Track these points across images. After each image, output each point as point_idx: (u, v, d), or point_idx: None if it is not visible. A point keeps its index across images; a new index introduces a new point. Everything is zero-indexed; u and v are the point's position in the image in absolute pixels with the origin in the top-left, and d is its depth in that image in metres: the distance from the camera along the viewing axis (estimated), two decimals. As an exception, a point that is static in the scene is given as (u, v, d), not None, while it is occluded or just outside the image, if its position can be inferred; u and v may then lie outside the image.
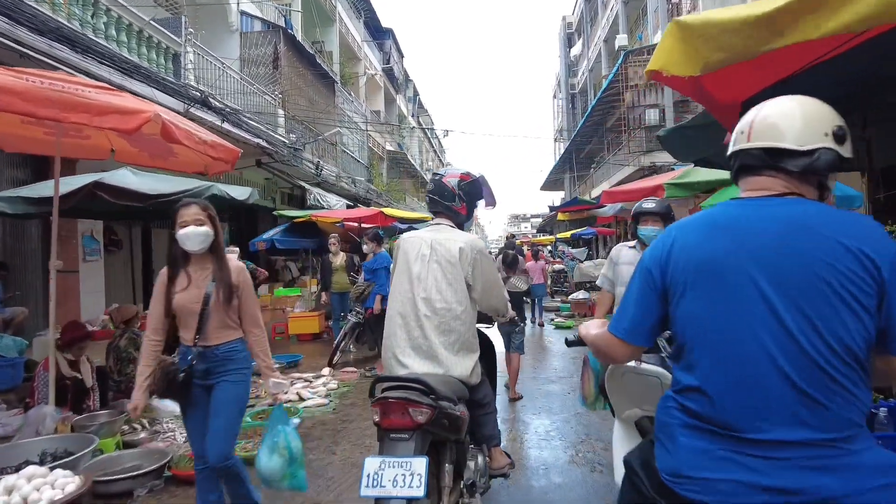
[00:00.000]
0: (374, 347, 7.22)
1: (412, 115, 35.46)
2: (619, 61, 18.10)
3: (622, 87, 18.03)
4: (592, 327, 1.73)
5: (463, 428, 2.51)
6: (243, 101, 13.63)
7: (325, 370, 6.78)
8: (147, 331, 2.85)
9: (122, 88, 5.86)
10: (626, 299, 1.53)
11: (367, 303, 6.69)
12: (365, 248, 6.84)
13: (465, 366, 2.58)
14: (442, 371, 2.51)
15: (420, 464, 2.13)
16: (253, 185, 17.56)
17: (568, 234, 23.13)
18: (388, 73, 29.50)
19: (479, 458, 2.83)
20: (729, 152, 1.49)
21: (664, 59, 2.15)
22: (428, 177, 39.67)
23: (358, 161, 22.05)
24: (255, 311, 2.95)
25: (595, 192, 22.62)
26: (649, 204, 3.73)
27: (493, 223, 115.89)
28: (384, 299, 6.65)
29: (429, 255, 2.64)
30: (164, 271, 2.83)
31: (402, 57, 33.10)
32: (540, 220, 58.25)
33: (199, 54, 11.32)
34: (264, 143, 12.73)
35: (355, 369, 6.91)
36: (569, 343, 2.08)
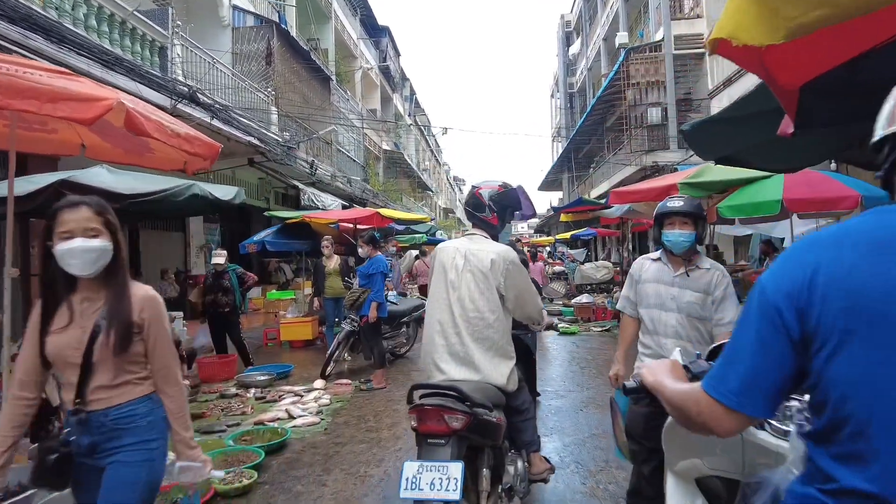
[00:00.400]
0: (370, 357, 6.77)
1: (409, 115, 35.01)
2: (621, 59, 17.72)
3: (623, 85, 17.64)
4: (664, 374, 1.25)
5: (499, 434, 2.56)
6: (235, 98, 13.16)
7: (318, 382, 6.33)
8: (13, 384, 2.03)
9: (103, 82, 5.39)
10: (733, 348, 1.06)
11: (361, 310, 6.24)
12: (360, 251, 6.40)
13: (501, 372, 2.63)
14: (479, 377, 2.58)
15: (456, 468, 2.21)
16: (246, 185, 17.08)
17: (567, 234, 22.72)
18: (385, 71, 29.05)
19: (519, 464, 2.84)
20: (877, 138, 1.03)
21: (733, 25, 1.69)
22: (425, 177, 39.30)
23: (354, 160, 21.59)
24: (170, 362, 2.09)
25: (595, 192, 22.24)
26: (677, 202, 2.83)
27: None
28: (380, 307, 6.20)
29: (462, 265, 2.70)
30: (38, 303, 2.01)
31: (399, 55, 32.65)
32: (538, 220, 57.92)
33: (187, 48, 10.84)
34: (256, 141, 12.27)
35: (349, 381, 6.46)
36: (627, 391, 1.57)
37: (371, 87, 27.84)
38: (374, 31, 28.14)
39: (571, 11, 31.63)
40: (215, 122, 10.65)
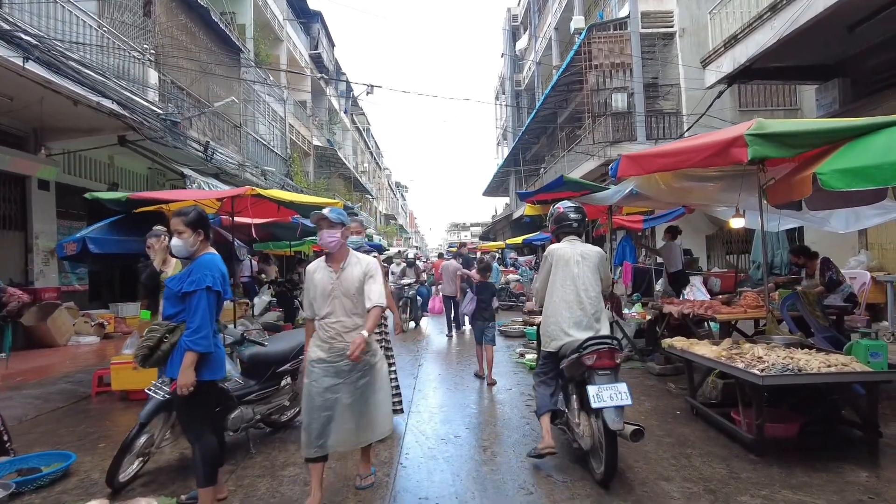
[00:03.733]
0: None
1: (344, 112, 31.60)
2: (582, 36, 15.12)
3: (584, 67, 15.03)
4: None
5: None
6: (105, 61, 9.59)
7: (93, 505, 3.05)
8: None
9: None
10: None
11: (169, 368, 2.99)
12: (177, 241, 3.13)
13: (606, 328, 3.94)
14: (593, 333, 3.79)
15: (623, 385, 3.52)
16: (130, 174, 13.38)
17: (519, 239, 19.94)
18: (317, 60, 25.61)
19: None
20: None
21: None
22: (364, 180, 35.92)
23: (272, 151, 18.05)
24: None
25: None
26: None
27: (433, 230, 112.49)
28: (208, 363, 3.00)
29: (581, 261, 3.93)
30: None
31: (333, 46, 29.26)
32: (481, 228, 55.46)
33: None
34: (114, 106, 8.74)
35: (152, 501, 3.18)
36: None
37: (300, 78, 24.34)
38: (305, 15, 24.69)
39: (518, 4, 29.21)
40: (33, 68, 7.15)
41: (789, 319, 5.41)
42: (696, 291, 14.07)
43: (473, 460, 4.05)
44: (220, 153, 12.85)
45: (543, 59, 24.26)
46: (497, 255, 23.19)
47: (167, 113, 10.67)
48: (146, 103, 9.99)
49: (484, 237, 40.37)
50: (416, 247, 59.29)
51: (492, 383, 6.32)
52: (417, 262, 12.44)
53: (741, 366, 3.90)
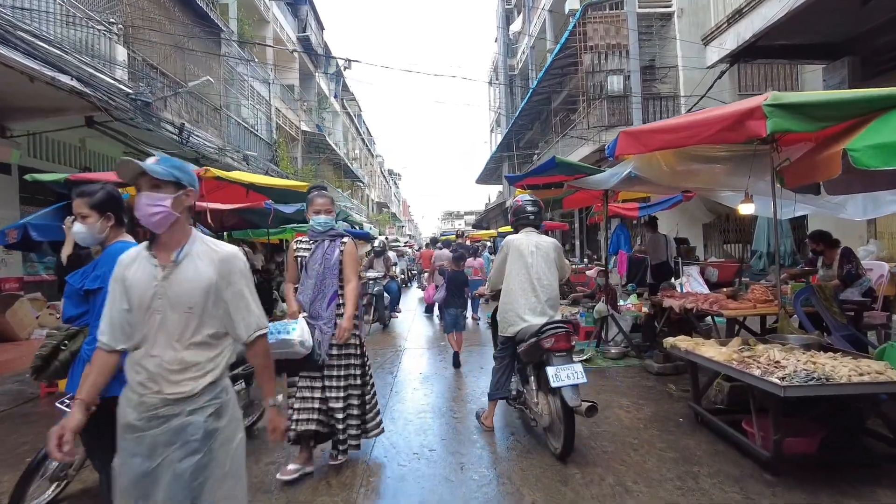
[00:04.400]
0: None
1: (335, 97, 30.79)
2: (577, 16, 14.45)
3: (579, 48, 14.38)
4: None
5: None
6: (70, 36, 8.91)
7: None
8: None
9: None
10: None
11: (69, 382, 2.42)
12: (80, 226, 2.54)
13: (558, 314, 4.20)
14: (547, 319, 4.00)
15: (579, 366, 3.77)
16: (104, 158, 12.70)
17: (510, 228, 19.39)
18: (305, 43, 24.79)
19: None
20: None
21: None
22: (355, 167, 35.18)
23: (257, 135, 17.35)
24: None
25: (540, 181, 19.00)
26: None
27: (425, 218, 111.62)
28: (122, 375, 2.39)
29: (535, 251, 4.14)
30: None
31: (323, 29, 28.40)
32: (475, 216, 54.91)
33: None
34: (77, 86, 8.08)
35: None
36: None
37: (288, 60, 23.55)
38: (292, -4, 23.87)
39: (513, -14, 28.40)
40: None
41: (804, 316, 4.88)
42: (692, 282, 13.57)
43: (448, 482, 3.51)
44: (198, 136, 12.19)
45: (537, 42, 23.55)
46: (489, 245, 22.66)
47: (137, 92, 10.00)
48: (112, 81, 9.32)
49: (477, 226, 39.77)
50: (410, 235, 58.67)
51: (458, 364, 6.71)
52: (388, 251, 11.03)
53: (757, 373, 3.37)
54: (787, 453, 3.37)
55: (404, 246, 26.24)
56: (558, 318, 4.05)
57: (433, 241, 14.69)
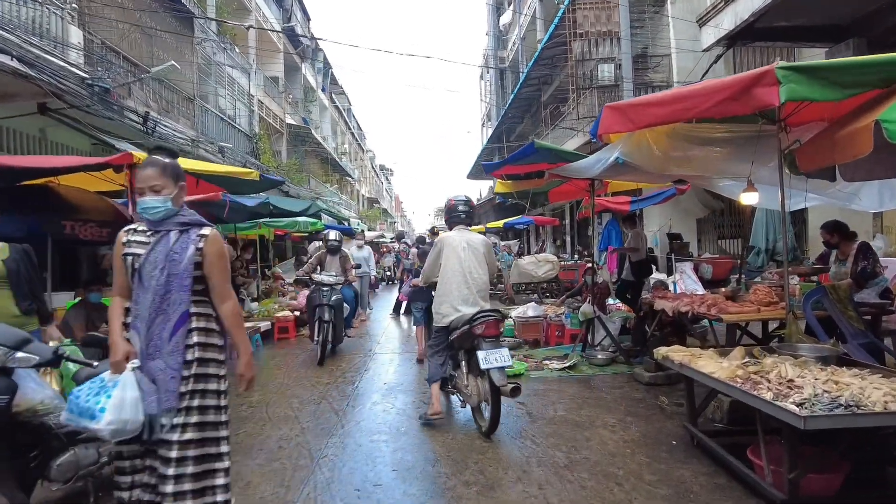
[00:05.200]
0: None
1: (322, 90, 29.97)
2: (566, 2, 13.77)
3: (569, 36, 13.71)
4: None
5: None
6: (12, 11, 8.17)
7: None
8: None
9: None
10: None
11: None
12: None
13: (488, 305, 4.39)
14: (479, 309, 4.24)
15: (506, 350, 4.05)
16: (66, 147, 11.91)
17: (500, 223, 18.71)
18: (290, 33, 24.00)
19: None
20: None
21: None
22: (344, 161, 34.40)
23: (236, 127, 16.60)
24: None
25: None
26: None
27: (416, 213, 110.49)
28: None
29: (467, 248, 4.38)
30: None
31: (309, 20, 27.60)
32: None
33: None
34: (20, 66, 7.36)
35: None
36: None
37: (272, 51, 22.76)
38: (275, -16, 23.04)
39: (503, -23, 27.64)
40: None
41: (815, 321, 4.23)
42: (686, 279, 12.96)
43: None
44: (167, 127, 11.45)
45: (528, 33, 22.86)
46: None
47: (93, 77, 9.27)
48: (64, 64, 8.58)
49: (468, 221, 39.03)
50: (402, 231, 57.87)
51: (421, 360, 6.66)
52: (344, 248, 8.61)
53: (769, 396, 2.72)
54: (804, 495, 2.73)
55: (391, 242, 25.44)
56: (488, 307, 4.32)
57: (421, 240, 13.94)
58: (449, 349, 4.47)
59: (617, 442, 3.89)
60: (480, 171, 35.04)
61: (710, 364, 3.38)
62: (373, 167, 52.73)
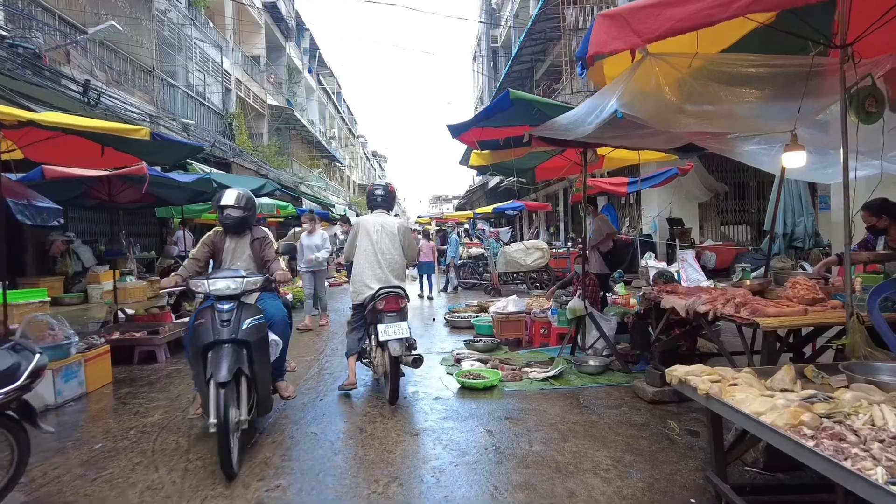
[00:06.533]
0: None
1: (309, 71, 28.55)
2: (559, -34, 12.48)
3: (562, 3, 12.42)
4: None
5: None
6: None
7: None
8: None
9: None
10: None
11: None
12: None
13: (404, 284, 4.58)
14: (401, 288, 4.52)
15: (404, 324, 4.27)
16: None
17: (489, 208, 17.48)
18: (272, 10, 22.57)
19: None
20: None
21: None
22: (333, 147, 33.05)
23: (205, 105, 15.28)
24: None
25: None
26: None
27: (406, 200, 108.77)
28: None
29: (381, 230, 4.55)
30: None
31: (294, -2, 26.12)
32: (462, 200, 52.95)
33: None
34: None
35: None
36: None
37: (252, 29, 21.37)
38: (256, -43, 21.56)
39: (495, -47, 26.15)
40: None
41: (886, 326, 3.03)
42: (687, 268, 11.79)
43: None
44: (115, 99, 10.18)
45: (521, 11, 21.48)
46: (466, 226, 20.84)
47: (14, 37, 8.01)
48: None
49: (461, 208, 37.80)
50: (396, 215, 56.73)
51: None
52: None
53: (879, 476, 1.54)
54: None
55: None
56: (397, 284, 4.48)
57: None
58: (365, 325, 4.63)
59: (611, 498, 2.72)
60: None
61: (753, 398, 2.19)
62: (365, 153, 51.24)
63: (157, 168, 6.87)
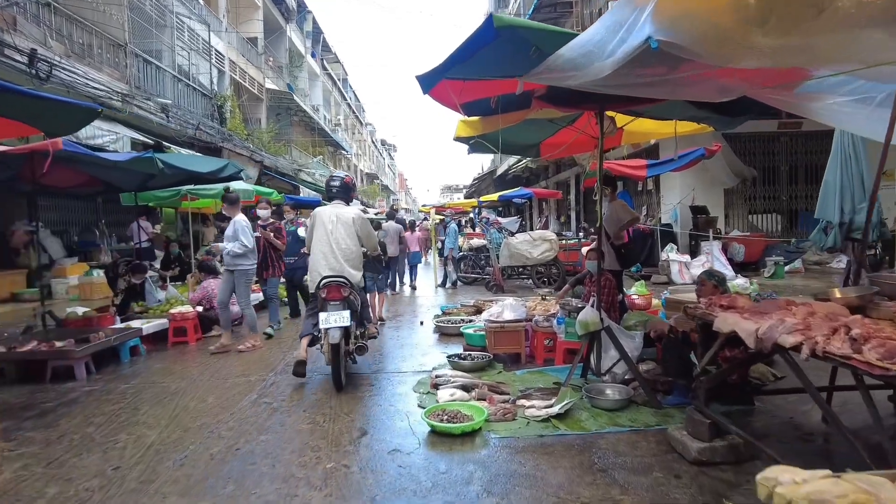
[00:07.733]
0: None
1: (312, 56, 27.25)
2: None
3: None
4: None
5: (358, 304, 4.63)
6: None
7: None
8: None
9: None
10: None
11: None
12: None
13: (357, 276, 4.62)
14: (346, 277, 4.49)
15: (346, 313, 4.30)
16: None
17: (494, 196, 16.13)
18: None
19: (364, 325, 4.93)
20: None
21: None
22: (338, 133, 31.82)
23: (191, 86, 14.07)
24: None
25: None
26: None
27: (426, 191, 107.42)
28: None
29: (336, 220, 4.59)
30: None
31: (295, -22, 24.76)
32: (472, 188, 51.71)
33: None
34: None
35: None
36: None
37: (250, 8, 20.10)
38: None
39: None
40: None
41: None
42: (713, 260, 10.43)
43: None
44: (74, 74, 8.99)
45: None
46: (471, 215, 19.55)
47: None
48: None
49: (469, 197, 36.48)
50: (406, 208, 55.71)
51: (382, 320, 7.21)
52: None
53: None
54: None
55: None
56: (349, 276, 4.52)
57: (390, 215, 11.45)
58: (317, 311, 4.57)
59: None
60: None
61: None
62: (373, 141, 49.91)
63: (81, 146, 5.66)
